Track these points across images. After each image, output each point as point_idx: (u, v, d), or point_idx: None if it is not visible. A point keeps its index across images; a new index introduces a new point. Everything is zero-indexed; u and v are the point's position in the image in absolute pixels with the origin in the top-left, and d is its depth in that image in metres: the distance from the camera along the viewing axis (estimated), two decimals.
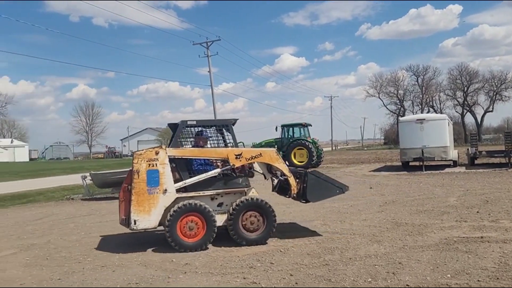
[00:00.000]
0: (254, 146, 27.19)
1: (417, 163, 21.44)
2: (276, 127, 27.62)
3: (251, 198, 7.05)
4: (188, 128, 7.40)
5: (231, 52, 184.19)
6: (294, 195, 7.46)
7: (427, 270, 5.32)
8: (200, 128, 7.54)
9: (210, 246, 6.96)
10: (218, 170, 7.14)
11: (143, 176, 6.63)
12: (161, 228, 6.85)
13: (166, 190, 6.72)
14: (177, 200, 6.80)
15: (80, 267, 6.07)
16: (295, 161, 25.59)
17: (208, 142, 7.48)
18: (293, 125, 27.76)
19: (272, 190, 8.11)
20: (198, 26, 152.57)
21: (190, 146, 7.34)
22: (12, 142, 75.86)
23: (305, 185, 7.32)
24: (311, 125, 27.92)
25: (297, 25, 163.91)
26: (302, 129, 27.15)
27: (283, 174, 7.54)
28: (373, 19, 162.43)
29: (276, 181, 7.77)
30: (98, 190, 15.63)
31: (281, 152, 25.93)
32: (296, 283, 5.05)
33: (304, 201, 7.69)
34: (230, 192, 7.19)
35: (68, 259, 6.55)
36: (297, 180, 7.52)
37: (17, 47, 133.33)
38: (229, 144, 7.36)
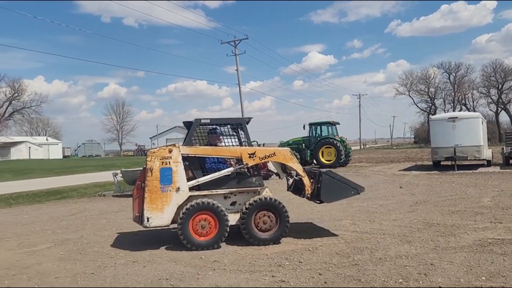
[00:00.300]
0: (282, 144, 27.16)
1: (449, 163, 20.90)
2: (304, 126, 27.47)
3: (264, 198, 7.02)
4: (202, 127, 7.41)
5: (259, 51, 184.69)
6: (308, 195, 7.39)
7: (460, 272, 5.19)
8: (214, 126, 7.55)
9: (238, 243, 7.01)
10: (231, 169, 7.11)
11: (156, 174, 6.69)
12: (175, 225, 6.90)
13: (179, 188, 6.76)
14: (190, 198, 6.82)
15: (112, 262, 6.21)
16: (323, 160, 25.41)
17: (222, 141, 7.46)
18: (321, 124, 27.54)
19: (287, 190, 8.07)
20: (226, 25, 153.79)
21: (205, 144, 7.34)
22: (47, 140, 78.38)
23: (319, 185, 7.25)
24: (339, 124, 27.69)
25: (325, 22, 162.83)
26: (330, 127, 26.91)
27: (297, 174, 7.49)
28: (403, 16, 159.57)
29: (291, 180, 7.73)
30: (128, 187, 15.94)
31: (308, 151, 25.99)
32: (325, 282, 5.02)
33: (318, 202, 7.63)
34: (244, 191, 7.17)
35: (100, 254, 6.72)
36: (311, 180, 7.46)
37: (52, 48, 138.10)
38: (243, 143, 7.34)
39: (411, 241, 6.80)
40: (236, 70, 39.58)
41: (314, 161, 26.27)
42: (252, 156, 7.05)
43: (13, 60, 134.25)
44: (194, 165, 7.06)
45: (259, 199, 6.99)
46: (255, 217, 6.94)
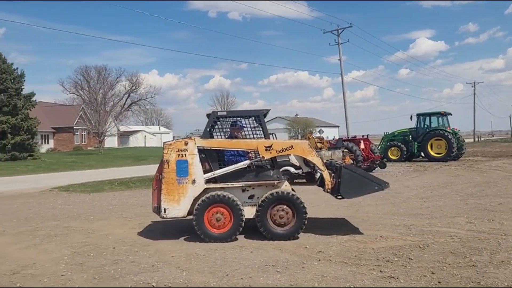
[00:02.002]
0: (386, 136, 26.08)
1: None
2: (411, 116, 25.99)
3: (281, 192, 6.78)
4: (224, 119, 7.35)
5: (363, 39, 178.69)
6: (329, 190, 7.07)
7: None
8: (235, 119, 7.45)
9: (343, 235, 6.93)
10: (247, 161, 6.98)
11: (172, 166, 6.76)
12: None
13: (194, 180, 6.78)
14: (206, 191, 6.81)
15: (221, 246, 6.51)
16: (432, 153, 23.89)
17: (243, 133, 7.36)
18: (430, 114, 25.83)
19: (315, 183, 7.65)
20: (329, 14, 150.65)
21: (224, 137, 7.29)
22: (159, 129, 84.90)
23: (340, 180, 6.89)
24: (451, 114, 25.68)
25: (436, 6, 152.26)
26: (440, 118, 25.10)
27: (317, 168, 7.15)
28: None
29: (318, 174, 7.32)
30: None
31: (416, 143, 24.59)
32: (439, 282, 4.73)
33: (339, 197, 7.24)
34: (262, 185, 6.98)
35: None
36: (333, 175, 7.10)
37: (164, 44, 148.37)
38: (263, 136, 7.18)
39: None
40: (338, 59, 38.77)
41: (422, 154, 24.82)
42: (268, 149, 6.86)
43: (132, 56, 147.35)
44: (211, 158, 7.04)
45: (275, 192, 6.78)
46: (271, 211, 6.77)
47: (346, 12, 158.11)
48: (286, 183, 7.09)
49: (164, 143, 7.03)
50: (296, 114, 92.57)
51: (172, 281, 4.97)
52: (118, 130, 57.90)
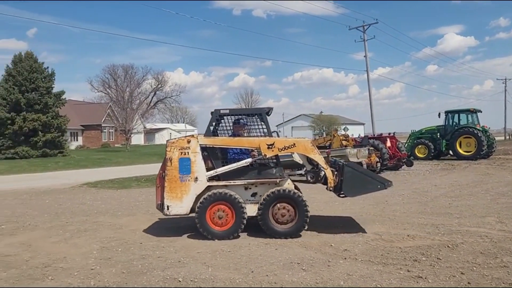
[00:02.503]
0: (413, 134, 25.60)
1: None
2: (439, 114, 25.43)
3: (282, 190, 6.74)
4: (222, 117, 7.29)
5: (389, 35, 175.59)
6: (331, 188, 6.97)
7: None
8: (238, 117, 7.42)
9: (369, 234, 6.86)
10: (249, 159, 6.95)
11: (175, 164, 6.80)
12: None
13: (197, 178, 6.80)
14: (208, 188, 6.82)
15: (247, 242, 6.55)
16: (460, 151, 23.32)
17: (246, 131, 7.32)
18: (459, 111, 25.19)
19: (320, 182, 7.52)
20: (355, 10, 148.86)
21: (227, 135, 7.26)
22: (185, 127, 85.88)
23: (342, 178, 6.80)
24: (480, 111, 24.99)
25: (464, 2, 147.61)
26: (470, 115, 24.46)
27: (320, 166, 7.06)
28: None
29: (323, 172, 7.20)
30: None
31: (444, 141, 24.06)
32: (468, 282, 4.63)
33: (342, 195, 7.15)
34: (264, 183, 6.95)
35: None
36: (335, 173, 7.00)
37: (189, 42, 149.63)
38: (265, 134, 7.12)
39: None
40: (364, 56, 38.26)
41: (450, 152, 24.26)
42: (271, 147, 6.79)
43: (157, 55, 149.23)
44: (213, 156, 7.04)
45: (277, 190, 6.75)
46: (272, 209, 6.76)
47: (372, 8, 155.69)
48: (289, 181, 7.08)
49: (167, 141, 7.09)
50: (321, 112, 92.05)
51: (198, 277, 5.03)
52: (144, 127, 58.88)
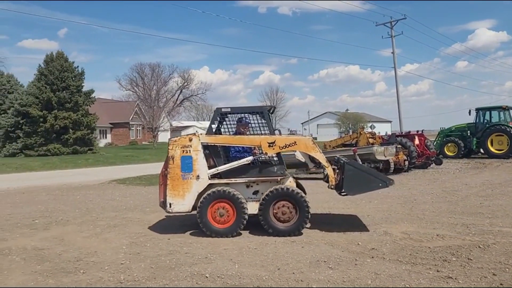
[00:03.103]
0: (442, 131, 25.04)
1: None
2: (470, 111, 24.73)
3: (282, 188, 6.71)
4: (225, 115, 7.30)
5: (417, 31, 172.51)
6: (332, 186, 6.92)
7: None
8: (241, 115, 7.40)
9: (397, 233, 6.76)
10: (250, 157, 6.93)
11: (177, 162, 6.85)
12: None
13: (198, 176, 6.85)
14: (210, 186, 6.86)
15: (273, 240, 6.56)
16: (492, 149, 22.66)
17: (249, 129, 7.30)
18: (490, 108, 24.48)
19: (323, 179, 7.42)
20: (382, 6, 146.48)
21: (230, 133, 7.26)
22: None
23: (343, 176, 6.72)
24: None
25: None
26: (502, 112, 23.72)
27: (321, 164, 6.99)
28: None
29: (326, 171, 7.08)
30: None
31: (474, 139, 23.43)
32: (501, 284, 4.51)
33: (344, 194, 7.06)
34: (266, 181, 6.94)
35: (262, 231, 7.11)
36: (337, 171, 6.93)
37: (215, 40, 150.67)
38: (269, 132, 7.10)
39: None
40: (392, 52, 37.69)
41: (481, 151, 23.62)
42: (271, 145, 6.78)
43: (184, 53, 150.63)
44: (215, 154, 7.06)
45: (277, 189, 6.74)
46: (273, 207, 6.75)
47: (400, 4, 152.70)
48: (291, 179, 7.05)
49: (169, 139, 7.18)
50: (347, 109, 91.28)
51: (224, 273, 5.08)
52: (171, 125, 59.59)
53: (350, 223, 7.61)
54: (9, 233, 7.58)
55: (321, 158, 6.98)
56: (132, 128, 59.15)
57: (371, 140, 17.14)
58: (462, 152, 23.43)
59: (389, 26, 37.32)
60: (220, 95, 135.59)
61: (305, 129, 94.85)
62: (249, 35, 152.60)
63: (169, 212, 7.07)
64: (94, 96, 40.23)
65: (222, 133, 7.33)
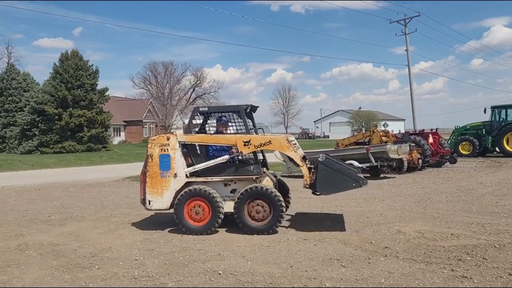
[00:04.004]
0: (457, 130, 24.74)
1: None
2: (485, 109, 24.39)
3: (256, 187, 6.73)
4: (204, 114, 7.38)
5: (431, 28, 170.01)
6: (307, 185, 6.90)
7: None
8: (220, 114, 7.46)
9: (411, 231, 6.72)
10: (226, 156, 6.96)
11: (156, 160, 6.98)
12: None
13: (176, 174, 6.95)
14: (187, 184, 6.93)
15: (285, 238, 6.57)
16: (508, 148, 22.31)
17: (228, 129, 7.38)
18: (506, 106, 24.06)
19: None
20: (396, 3, 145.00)
21: (212, 132, 7.40)
22: None
23: (316, 175, 6.68)
24: None
25: None
26: None
27: (295, 163, 7.02)
28: None
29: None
30: (295, 169, 16.54)
31: (489, 137, 23.10)
32: None
33: (318, 193, 7.02)
34: (243, 179, 6.98)
35: None
36: (313, 170, 6.88)
37: (227, 38, 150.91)
38: (251, 131, 7.24)
39: None
40: (405, 50, 37.27)
41: (497, 149, 23.28)
42: (247, 144, 6.83)
43: (196, 51, 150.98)
44: (193, 152, 7.17)
45: (252, 188, 6.76)
46: (248, 206, 6.77)
47: (414, 1, 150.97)
48: (268, 178, 7.05)
49: (148, 138, 7.29)
50: (360, 107, 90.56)
51: (237, 270, 5.10)
52: (184, 123, 59.87)
53: (362, 222, 7.58)
54: (26, 229, 7.72)
55: (295, 157, 6.99)
56: (146, 126, 59.57)
57: (384, 138, 16.99)
58: (477, 151, 23.13)
59: (403, 24, 36.92)
60: (232, 93, 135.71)
61: (317, 127, 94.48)
62: (261, 33, 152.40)
63: (148, 209, 7.23)
64: (108, 94, 40.62)
65: (206, 132, 7.47)
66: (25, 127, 36.35)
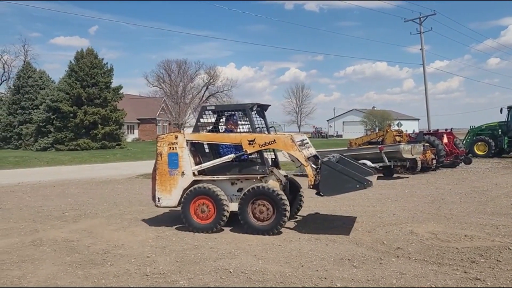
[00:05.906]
0: (472, 130, 24.41)
1: None
2: (501, 109, 23.97)
3: (259, 187, 6.70)
4: (212, 113, 7.39)
5: (447, 27, 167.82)
6: (311, 185, 6.80)
7: None
8: (231, 113, 7.46)
9: (423, 232, 6.66)
10: (231, 155, 6.98)
11: (165, 158, 7.10)
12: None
13: (183, 172, 7.04)
14: (194, 183, 7.01)
15: (297, 237, 6.57)
16: None
17: (238, 127, 7.37)
18: None
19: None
20: (411, 2, 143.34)
21: (221, 130, 7.39)
22: None
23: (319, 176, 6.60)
24: None
25: None
26: None
27: (300, 163, 6.90)
28: None
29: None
30: None
31: (506, 138, 22.74)
32: None
33: (322, 194, 6.91)
34: (250, 178, 6.98)
35: (284, 229, 7.08)
36: (317, 170, 6.76)
37: (241, 37, 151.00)
38: (263, 129, 7.30)
39: None
40: (420, 49, 36.87)
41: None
42: (252, 143, 6.81)
43: (210, 50, 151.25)
44: (200, 151, 7.26)
45: (256, 187, 6.73)
46: (252, 206, 6.75)
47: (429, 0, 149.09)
48: (273, 178, 7.01)
49: (157, 136, 7.39)
50: (373, 107, 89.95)
51: (248, 269, 5.12)
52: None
53: (375, 222, 7.53)
54: (41, 225, 7.84)
55: (300, 156, 6.86)
56: (159, 124, 59.96)
57: (397, 138, 16.84)
58: (493, 152, 22.80)
59: (418, 22, 36.50)
60: (245, 92, 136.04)
61: (330, 126, 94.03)
62: (275, 32, 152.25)
63: (157, 206, 7.37)
64: (122, 92, 40.92)
65: (219, 131, 7.46)
66: (40, 124, 36.85)
